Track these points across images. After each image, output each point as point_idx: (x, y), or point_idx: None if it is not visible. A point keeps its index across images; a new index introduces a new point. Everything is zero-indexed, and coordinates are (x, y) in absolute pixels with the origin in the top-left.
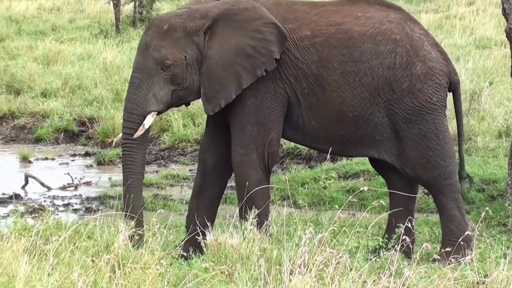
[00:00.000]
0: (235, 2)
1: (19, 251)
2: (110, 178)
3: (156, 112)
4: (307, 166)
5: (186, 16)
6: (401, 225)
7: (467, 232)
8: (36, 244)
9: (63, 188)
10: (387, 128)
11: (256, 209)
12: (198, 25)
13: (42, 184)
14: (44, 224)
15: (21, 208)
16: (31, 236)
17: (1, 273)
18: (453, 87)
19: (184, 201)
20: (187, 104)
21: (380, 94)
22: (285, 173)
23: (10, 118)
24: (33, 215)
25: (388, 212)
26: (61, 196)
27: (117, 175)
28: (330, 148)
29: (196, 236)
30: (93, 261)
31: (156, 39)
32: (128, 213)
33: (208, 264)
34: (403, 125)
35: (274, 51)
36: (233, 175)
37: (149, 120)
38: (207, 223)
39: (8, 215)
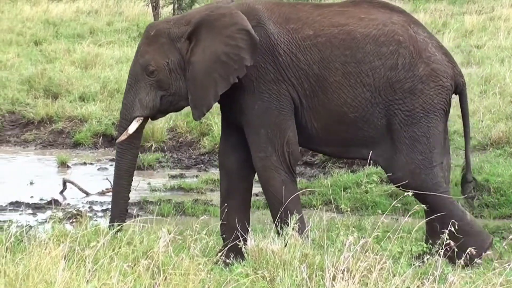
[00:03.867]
0: (215, 7)
1: (57, 257)
2: (149, 183)
3: (142, 118)
4: (349, 170)
5: (173, 22)
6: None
7: (469, 219)
8: (74, 250)
9: (102, 193)
10: (385, 129)
11: (288, 212)
12: (182, 31)
13: (81, 189)
14: (82, 230)
15: (59, 214)
16: (70, 242)
17: (40, 279)
18: (459, 89)
19: None
20: (179, 109)
21: (381, 95)
22: (327, 178)
23: (48, 122)
24: (71, 221)
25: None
26: (100, 202)
27: (156, 180)
28: (330, 150)
29: (237, 242)
30: (132, 267)
31: (144, 44)
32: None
33: (249, 270)
34: (398, 127)
35: (245, 58)
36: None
37: (133, 126)
38: (245, 227)
39: (46, 221)
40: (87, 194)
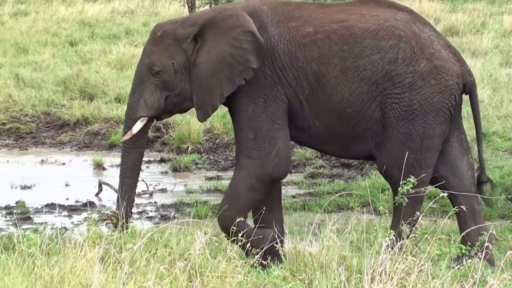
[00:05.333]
0: (222, 9)
1: (93, 260)
2: (185, 185)
3: (146, 118)
4: None
5: (180, 23)
6: (484, 232)
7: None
8: (110, 252)
9: (138, 195)
10: (379, 123)
11: (235, 212)
12: (188, 32)
13: (116, 191)
14: (118, 232)
15: (95, 216)
16: (105, 244)
17: (75, 282)
18: (468, 89)
19: None
20: (184, 111)
21: (379, 88)
22: (365, 179)
23: (84, 124)
24: (107, 223)
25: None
26: (136, 204)
27: (193, 182)
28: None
29: (274, 244)
30: (168, 269)
31: (150, 45)
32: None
33: (286, 273)
34: (394, 121)
35: (251, 60)
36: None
37: (137, 126)
38: (281, 228)
39: (82, 223)
40: None
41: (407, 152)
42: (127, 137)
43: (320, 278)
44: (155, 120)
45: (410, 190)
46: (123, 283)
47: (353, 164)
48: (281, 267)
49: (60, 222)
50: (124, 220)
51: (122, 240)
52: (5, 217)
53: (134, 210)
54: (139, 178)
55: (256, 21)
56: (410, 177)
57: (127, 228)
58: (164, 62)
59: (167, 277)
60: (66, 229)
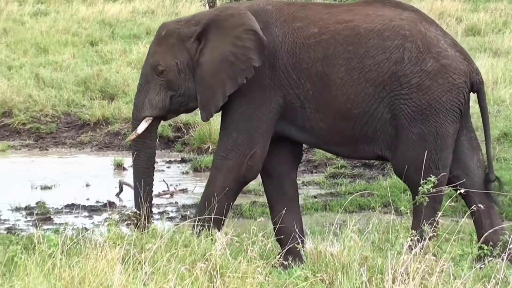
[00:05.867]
0: (225, 8)
1: (113, 260)
2: None
3: (151, 118)
4: None
5: (184, 22)
6: (506, 232)
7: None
8: (131, 253)
9: (159, 195)
10: (389, 125)
11: (208, 213)
12: (191, 31)
13: None
14: (139, 233)
15: (116, 216)
16: (126, 245)
17: (96, 283)
18: (476, 87)
19: None
20: (189, 111)
21: (386, 89)
22: (386, 179)
23: (104, 124)
24: (127, 224)
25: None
26: (157, 204)
27: None
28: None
29: (295, 244)
30: (189, 270)
31: (154, 44)
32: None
33: (308, 273)
34: (405, 122)
35: (253, 59)
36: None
37: (142, 126)
38: (301, 228)
39: (103, 224)
40: None
41: (422, 153)
42: (132, 137)
43: (341, 279)
44: (161, 120)
45: (430, 189)
46: (144, 284)
47: (374, 164)
48: (303, 268)
49: (81, 223)
50: (145, 221)
51: (142, 241)
52: (26, 217)
53: (154, 210)
54: (159, 179)
55: (260, 21)
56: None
57: (147, 229)
58: (168, 61)
59: (188, 278)
60: (86, 229)
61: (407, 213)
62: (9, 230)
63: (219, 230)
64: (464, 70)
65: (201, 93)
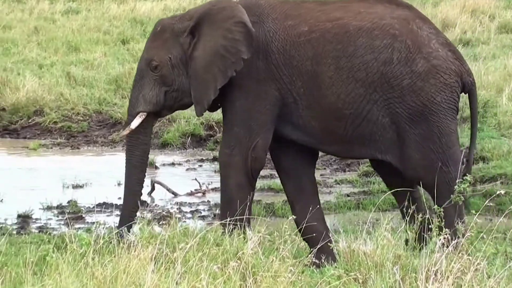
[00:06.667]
0: (217, 1)
1: (146, 260)
2: None
3: (145, 113)
4: None
5: (179, 18)
6: None
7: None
8: (163, 252)
9: (191, 194)
10: (389, 128)
11: (232, 213)
12: (185, 26)
13: (169, 190)
14: (171, 232)
15: (148, 215)
16: (158, 244)
17: (128, 282)
18: (467, 88)
19: None
20: (185, 107)
21: (377, 91)
22: None
23: None
24: (160, 223)
25: None
26: (189, 203)
27: None
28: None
29: (328, 243)
30: (222, 269)
31: (149, 40)
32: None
33: (341, 272)
34: (405, 125)
35: (242, 51)
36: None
37: (136, 121)
38: (325, 224)
39: (135, 223)
40: (176, 195)
41: (428, 153)
42: (125, 132)
43: (374, 277)
44: (157, 117)
45: (466, 188)
46: (176, 283)
47: None
48: (335, 266)
49: (113, 222)
50: (131, 219)
51: (175, 240)
52: (57, 216)
53: (187, 209)
54: (192, 177)
55: (253, 15)
56: (439, 176)
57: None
58: (162, 56)
59: (220, 277)
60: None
61: (440, 211)
62: (41, 229)
63: (248, 227)
64: (456, 70)
65: (195, 87)
